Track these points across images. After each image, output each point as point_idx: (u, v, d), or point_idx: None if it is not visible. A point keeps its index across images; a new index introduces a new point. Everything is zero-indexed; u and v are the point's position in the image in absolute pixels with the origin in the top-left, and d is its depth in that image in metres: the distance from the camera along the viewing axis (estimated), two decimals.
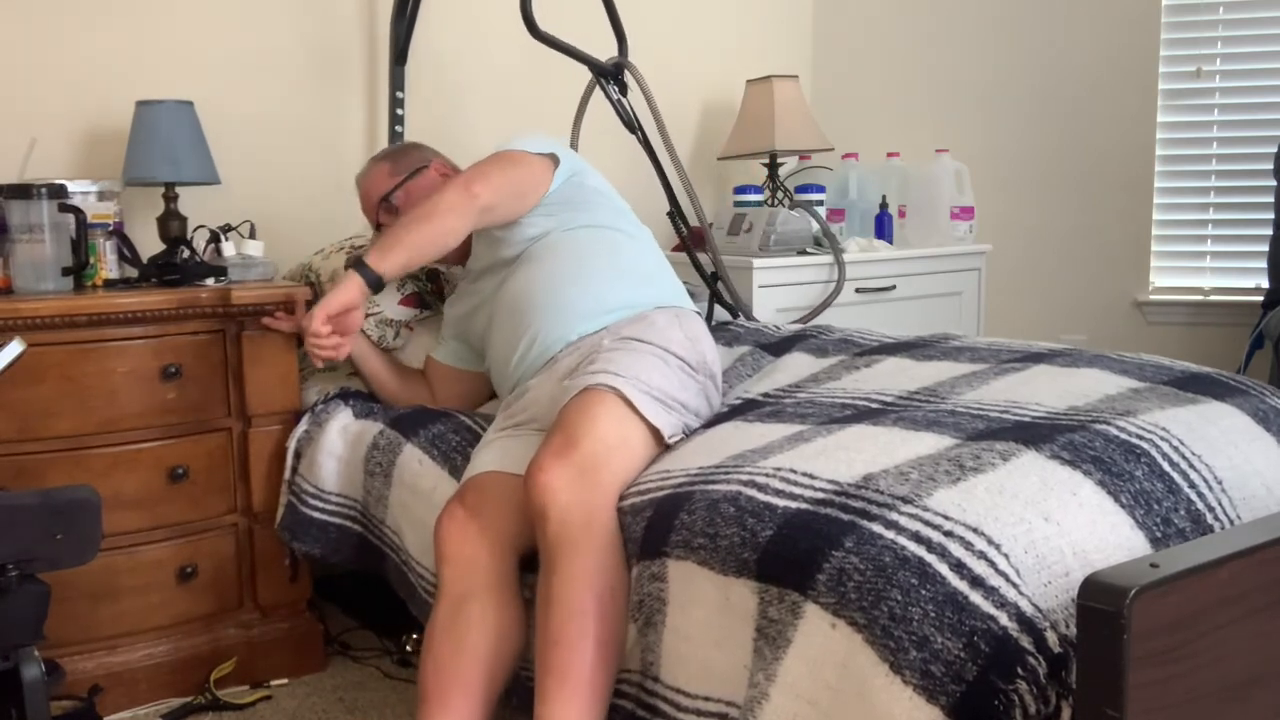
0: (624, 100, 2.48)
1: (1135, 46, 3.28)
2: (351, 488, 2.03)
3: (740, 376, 2.04)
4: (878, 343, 2.10)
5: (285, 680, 2.15)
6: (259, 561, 2.13)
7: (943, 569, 1.13)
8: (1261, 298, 2.96)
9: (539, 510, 1.45)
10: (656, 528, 1.39)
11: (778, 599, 1.20)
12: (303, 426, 2.10)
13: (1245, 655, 1.09)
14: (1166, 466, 1.38)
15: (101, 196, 2.18)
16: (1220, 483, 1.41)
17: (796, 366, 2.02)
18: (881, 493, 1.27)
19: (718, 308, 2.62)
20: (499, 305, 1.94)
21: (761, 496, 1.32)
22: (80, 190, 2.15)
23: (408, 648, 2.18)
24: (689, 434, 1.67)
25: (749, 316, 2.62)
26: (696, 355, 1.78)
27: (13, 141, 2.25)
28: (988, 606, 1.10)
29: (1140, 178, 3.32)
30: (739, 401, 1.86)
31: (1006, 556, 1.16)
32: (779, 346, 2.16)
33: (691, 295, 2.08)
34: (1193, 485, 1.38)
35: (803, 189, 3.11)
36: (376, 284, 1.82)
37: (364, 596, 2.42)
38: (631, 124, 2.49)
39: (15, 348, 1.59)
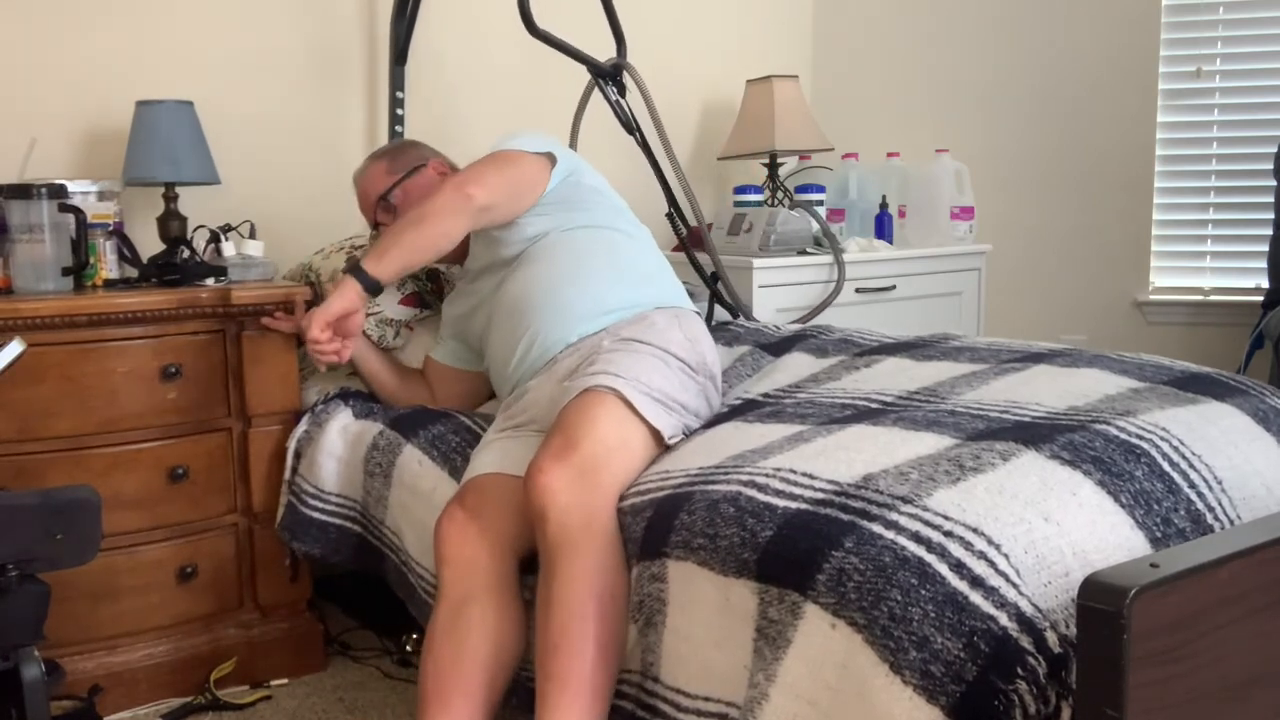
0: (622, 101, 2.48)
1: (1135, 46, 3.28)
2: (351, 488, 2.03)
3: (740, 376, 2.04)
4: (878, 343, 2.10)
5: (285, 680, 2.15)
6: (259, 561, 2.13)
7: (943, 569, 1.13)
8: (1261, 298, 2.96)
9: (538, 512, 1.45)
10: (656, 528, 1.39)
11: (778, 599, 1.20)
12: (303, 427, 2.10)
13: (1245, 655, 1.09)
14: (1166, 466, 1.38)
15: (101, 196, 2.18)
16: (1220, 483, 1.41)
17: (796, 367, 2.02)
18: (881, 493, 1.27)
19: (718, 308, 2.62)
20: (498, 306, 1.94)
21: (761, 497, 1.32)
22: (80, 190, 2.15)
23: (408, 648, 2.18)
24: (689, 435, 1.67)
25: (749, 316, 2.62)
26: (696, 356, 1.78)
27: (13, 141, 2.25)
28: (988, 606, 1.10)
29: (1140, 178, 3.32)
30: (739, 402, 1.86)
31: (1006, 556, 1.16)
32: (779, 346, 2.16)
33: (691, 295, 2.07)
34: (1193, 485, 1.38)
35: (803, 189, 3.11)
36: (374, 289, 1.82)
37: (364, 596, 2.42)
38: (630, 125, 2.48)
39: (15, 348, 1.59)
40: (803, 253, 2.87)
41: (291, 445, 2.09)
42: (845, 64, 3.65)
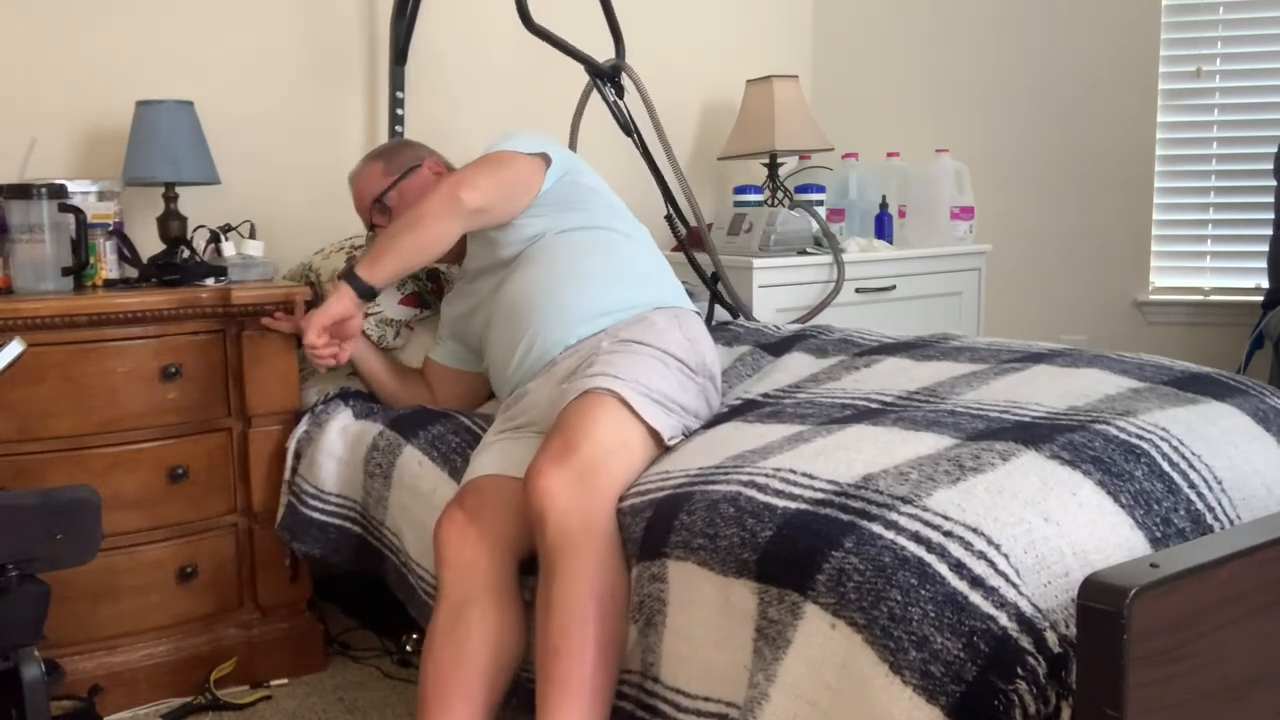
0: (620, 103, 2.48)
1: (1135, 46, 3.28)
2: (351, 489, 2.03)
3: (740, 376, 2.04)
4: (877, 343, 2.10)
5: (285, 680, 2.15)
6: (259, 561, 2.13)
7: (942, 569, 1.13)
8: (1261, 298, 2.96)
9: (538, 515, 1.45)
10: (656, 528, 1.39)
11: (777, 599, 1.20)
12: (303, 427, 2.10)
13: (1245, 655, 1.09)
14: (1166, 466, 1.38)
15: (101, 196, 2.18)
16: (1220, 483, 1.41)
17: (796, 367, 2.02)
18: (881, 493, 1.27)
19: (718, 308, 2.62)
20: (496, 308, 1.94)
21: (761, 497, 1.32)
22: (80, 190, 2.15)
23: (408, 648, 2.18)
24: (688, 435, 1.67)
25: (749, 317, 2.62)
26: (696, 357, 1.78)
27: (13, 141, 2.25)
28: (987, 607, 1.10)
29: (1140, 178, 3.32)
30: (739, 402, 1.86)
31: (1006, 557, 1.16)
32: (779, 346, 2.16)
33: (690, 295, 2.07)
34: (1192, 485, 1.38)
35: (803, 189, 3.11)
36: (368, 294, 1.83)
37: (364, 596, 2.42)
38: (628, 127, 2.48)
39: (15, 348, 1.59)
40: (803, 253, 2.87)
41: (291, 445, 2.09)
42: (845, 64, 3.65)
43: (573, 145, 2.77)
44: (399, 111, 2.73)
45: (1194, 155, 3.30)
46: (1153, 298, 3.35)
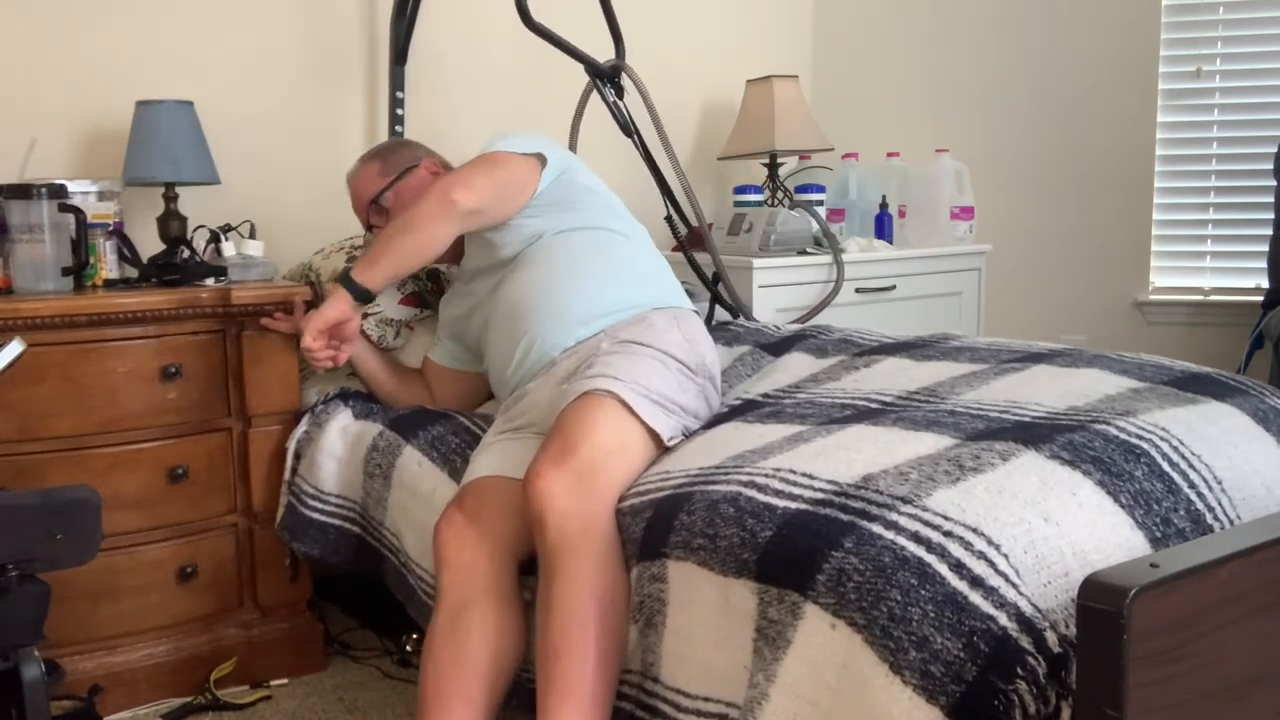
0: (620, 104, 2.48)
1: (1135, 46, 3.28)
2: (351, 489, 2.03)
3: (740, 376, 2.04)
4: (877, 343, 2.10)
5: (285, 680, 2.15)
6: (259, 561, 2.13)
7: (942, 569, 1.13)
8: (1261, 298, 2.96)
9: (537, 517, 1.45)
10: (656, 528, 1.39)
11: (777, 599, 1.20)
12: (302, 427, 2.10)
13: (1245, 655, 1.09)
14: (1166, 466, 1.38)
15: (101, 196, 2.18)
16: (1220, 483, 1.41)
17: (796, 367, 2.02)
18: (881, 493, 1.27)
19: (718, 308, 2.62)
20: (495, 309, 1.94)
21: (761, 497, 1.32)
22: (80, 190, 2.15)
23: (408, 648, 2.18)
24: (688, 435, 1.67)
25: (749, 317, 2.62)
26: (695, 357, 1.78)
27: (13, 141, 2.25)
28: (987, 607, 1.10)
29: (1140, 178, 3.32)
30: (739, 402, 1.86)
31: (1006, 557, 1.16)
32: (778, 346, 2.16)
33: (690, 295, 2.07)
34: (1192, 485, 1.38)
35: (803, 189, 3.11)
36: (364, 297, 1.83)
37: (364, 596, 2.42)
38: (628, 127, 2.48)
39: (15, 348, 1.59)
40: (803, 253, 2.87)
41: (291, 446, 2.09)
42: (845, 64, 3.65)
43: (573, 146, 2.77)
44: (399, 111, 2.73)
45: (1194, 155, 3.30)
46: (1153, 298, 3.35)
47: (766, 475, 1.37)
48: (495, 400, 2.04)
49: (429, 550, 1.69)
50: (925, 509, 1.22)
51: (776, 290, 2.79)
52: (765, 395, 1.87)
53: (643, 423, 1.57)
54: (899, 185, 3.23)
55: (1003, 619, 1.09)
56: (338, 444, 2.04)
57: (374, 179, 2.14)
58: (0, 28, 2.32)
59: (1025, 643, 1.08)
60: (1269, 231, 2.97)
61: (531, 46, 2.35)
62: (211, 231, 2.26)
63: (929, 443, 1.42)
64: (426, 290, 2.32)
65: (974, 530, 1.18)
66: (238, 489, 2.11)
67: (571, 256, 1.89)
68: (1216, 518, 1.37)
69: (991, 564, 1.14)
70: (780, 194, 3.19)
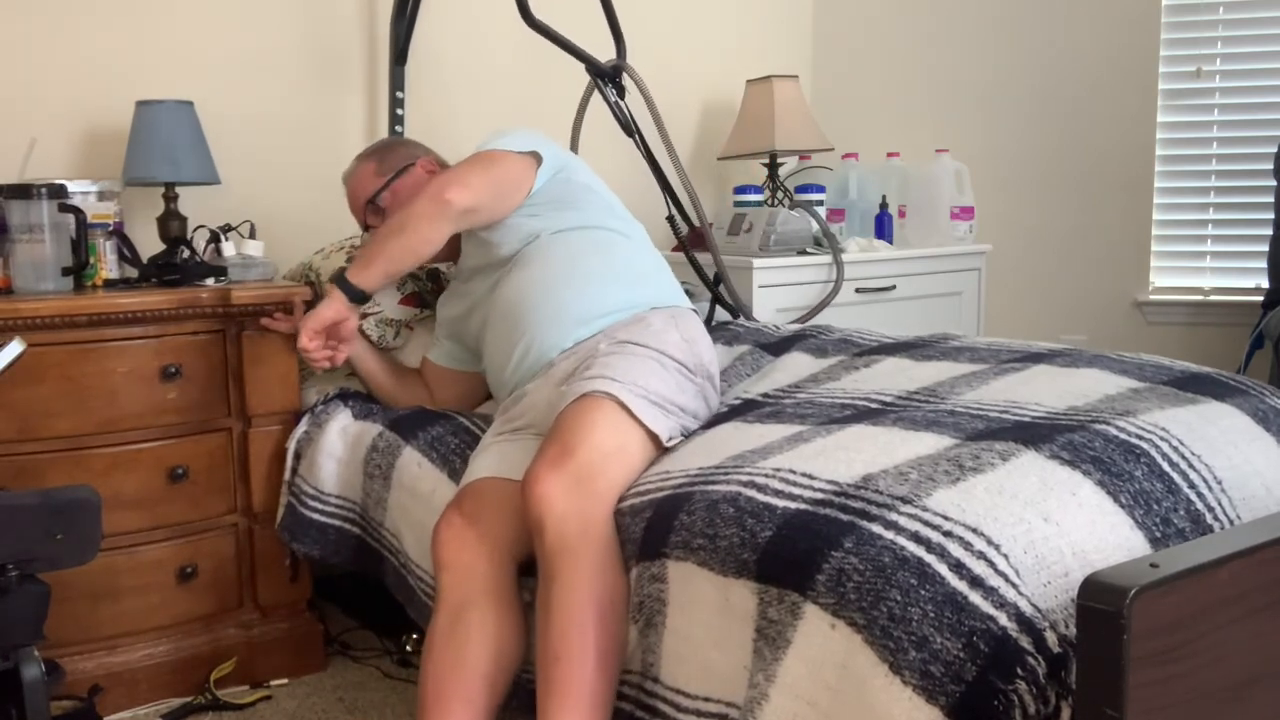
0: (622, 103, 2.48)
1: (1135, 46, 3.28)
2: (350, 490, 2.03)
3: (740, 376, 2.04)
4: (877, 343, 2.10)
5: (285, 680, 2.15)
6: (259, 561, 2.13)
7: (942, 569, 1.13)
8: (1261, 298, 2.96)
9: (536, 521, 1.45)
10: (656, 529, 1.39)
11: (777, 599, 1.20)
12: (302, 427, 2.10)
13: (1245, 655, 1.09)
14: (1166, 466, 1.38)
15: (101, 196, 2.18)
16: (1220, 483, 1.41)
17: (796, 366, 2.02)
18: (881, 493, 1.27)
19: (718, 308, 2.62)
20: (493, 310, 1.93)
21: (761, 497, 1.32)
22: (80, 190, 2.15)
23: (408, 648, 2.18)
24: (687, 436, 1.66)
25: (749, 317, 2.62)
26: (694, 357, 1.77)
27: (13, 141, 2.25)
28: (987, 607, 1.10)
29: (1140, 178, 3.32)
30: (738, 402, 1.86)
31: (1006, 557, 1.16)
32: (778, 346, 2.15)
33: (690, 295, 2.07)
34: (1192, 485, 1.38)
35: (803, 189, 3.11)
36: (359, 298, 1.83)
37: (364, 596, 2.42)
38: (629, 127, 2.48)
39: (15, 348, 1.59)
40: (803, 253, 2.87)
41: (291, 446, 2.09)
42: (845, 64, 3.65)
43: (574, 146, 2.77)
44: (399, 111, 2.73)
45: (1194, 155, 3.30)
46: (1153, 298, 3.35)
47: (766, 475, 1.37)
48: (494, 400, 2.04)
49: (429, 551, 1.68)
50: (925, 509, 1.22)
51: (776, 290, 2.79)
52: (765, 395, 1.87)
53: (641, 424, 1.57)
54: (899, 185, 3.23)
55: (1002, 619, 1.09)
56: (337, 444, 2.04)
57: (370, 179, 2.13)
58: (0, 28, 2.32)
59: (1025, 643, 1.08)
60: (1269, 231, 2.97)
61: (532, 46, 2.35)
62: (211, 231, 2.26)
63: (929, 443, 1.42)
64: (426, 290, 2.31)
65: (974, 530, 1.18)
66: (238, 489, 2.11)
67: (569, 256, 1.88)
68: (1216, 518, 1.37)
69: (991, 564, 1.14)
70: (780, 194, 3.19)
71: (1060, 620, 1.13)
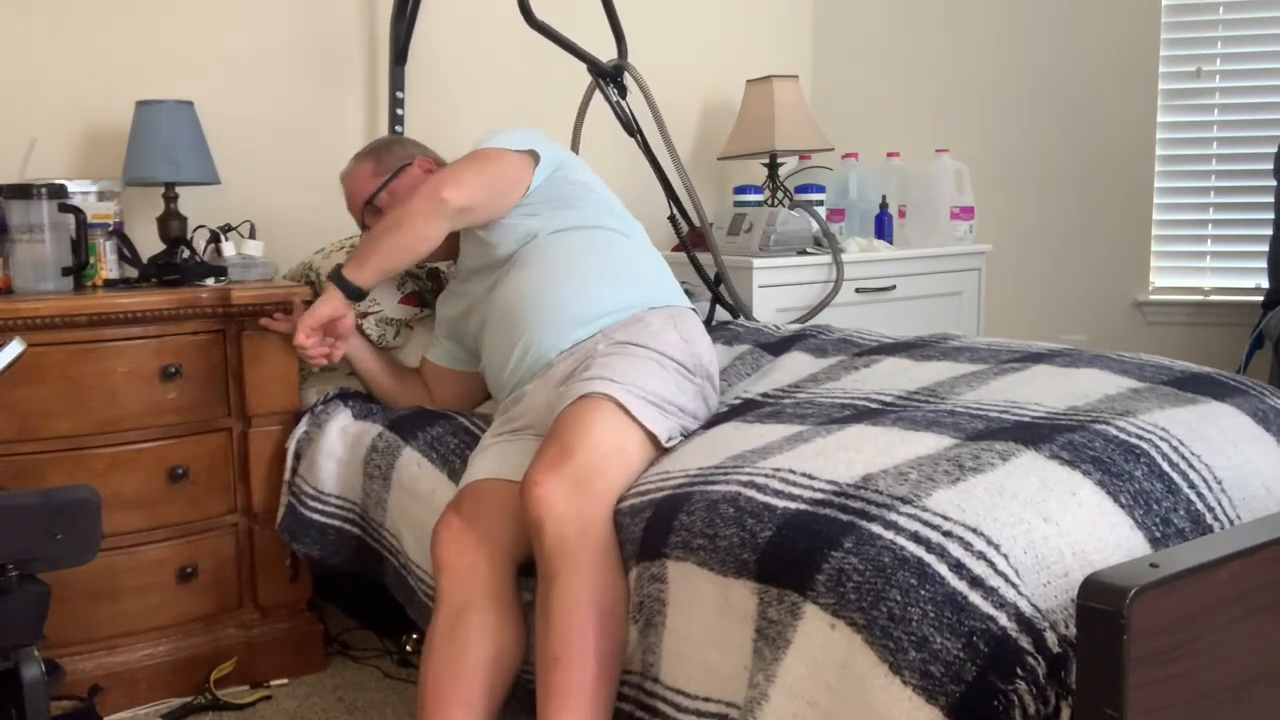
0: (623, 103, 2.48)
1: (1135, 46, 3.28)
2: (350, 490, 2.03)
3: (739, 376, 2.04)
4: (877, 343, 2.10)
5: (285, 680, 2.15)
6: (259, 562, 2.13)
7: (942, 569, 1.13)
8: (1261, 298, 2.96)
9: (535, 523, 1.44)
10: (656, 529, 1.39)
11: (777, 599, 1.20)
12: (302, 427, 2.10)
13: (1245, 655, 1.09)
14: (1166, 466, 1.38)
15: (101, 196, 2.18)
16: (1220, 483, 1.41)
17: (796, 366, 2.02)
18: (880, 493, 1.27)
19: (718, 307, 2.62)
20: (491, 310, 1.93)
21: (761, 497, 1.32)
22: (80, 190, 2.15)
23: (408, 648, 2.18)
24: (687, 436, 1.66)
25: (749, 316, 2.62)
26: (693, 358, 1.77)
27: (13, 141, 2.25)
28: (987, 607, 1.10)
29: (1140, 178, 3.32)
30: (738, 402, 1.86)
31: (1006, 557, 1.16)
32: (778, 346, 2.15)
33: (690, 295, 2.07)
34: (1192, 485, 1.38)
35: (803, 189, 3.11)
36: (355, 295, 1.83)
37: (364, 596, 2.41)
38: (630, 126, 2.48)
39: (15, 348, 1.59)
40: (802, 253, 2.87)
41: (291, 446, 2.09)
42: (845, 64, 3.65)
43: (575, 145, 2.77)
44: (399, 111, 2.73)
45: (1194, 155, 3.30)
46: (1153, 298, 3.35)
47: (766, 475, 1.37)
48: (494, 400, 2.04)
49: (429, 551, 1.68)
50: (925, 509, 1.22)
51: (776, 290, 2.79)
52: (765, 395, 1.87)
53: (640, 425, 1.57)
54: (899, 185, 3.23)
55: (1002, 619, 1.09)
56: (337, 444, 2.04)
57: (368, 179, 2.13)
58: (0, 28, 2.32)
59: (1025, 643, 1.08)
60: (1269, 231, 2.97)
61: (532, 47, 2.35)
62: (211, 231, 2.26)
63: (929, 443, 1.42)
64: (426, 290, 2.31)
65: (974, 530, 1.18)
66: (238, 489, 2.11)
67: (568, 256, 1.88)
68: (1216, 518, 1.37)
69: (991, 564, 1.14)
70: (780, 194, 3.19)
71: (1060, 620, 1.13)
